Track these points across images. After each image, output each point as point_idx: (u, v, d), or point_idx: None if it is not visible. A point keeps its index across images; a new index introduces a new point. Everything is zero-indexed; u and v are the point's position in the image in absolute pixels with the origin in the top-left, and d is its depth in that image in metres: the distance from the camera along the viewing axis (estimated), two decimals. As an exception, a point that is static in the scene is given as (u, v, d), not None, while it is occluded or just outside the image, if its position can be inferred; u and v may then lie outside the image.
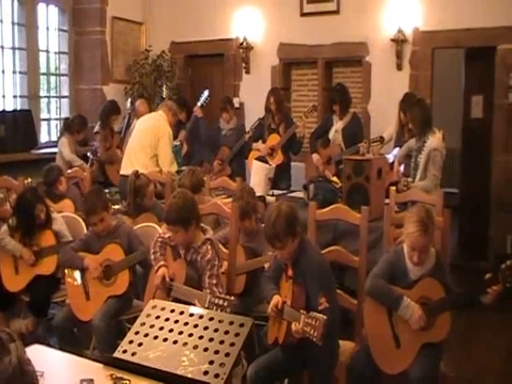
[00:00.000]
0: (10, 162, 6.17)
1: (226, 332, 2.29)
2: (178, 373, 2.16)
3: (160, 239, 3.58)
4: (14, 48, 6.92)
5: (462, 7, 6.23)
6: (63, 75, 7.71)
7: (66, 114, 7.67)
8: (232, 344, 2.23)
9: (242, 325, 2.31)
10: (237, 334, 2.27)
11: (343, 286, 3.90)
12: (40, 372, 1.79)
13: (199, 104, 6.48)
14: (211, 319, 2.37)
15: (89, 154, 6.70)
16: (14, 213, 4.43)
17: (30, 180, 5.19)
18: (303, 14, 7.16)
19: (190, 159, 6.47)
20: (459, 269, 4.63)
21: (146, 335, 2.38)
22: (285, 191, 5.81)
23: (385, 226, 3.81)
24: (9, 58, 6.88)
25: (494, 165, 6.32)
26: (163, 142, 5.54)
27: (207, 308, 2.96)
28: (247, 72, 7.69)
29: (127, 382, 2.14)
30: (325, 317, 2.78)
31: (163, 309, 2.49)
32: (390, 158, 5.41)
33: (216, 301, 3.05)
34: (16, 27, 6.92)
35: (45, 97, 7.53)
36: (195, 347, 2.26)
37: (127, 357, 2.30)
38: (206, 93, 6.52)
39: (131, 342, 2.37)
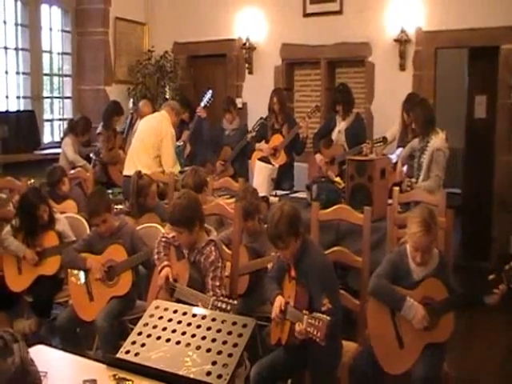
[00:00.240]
0: (13, 163, 6.18)
1: (229, 333, 2.28)
2: (181, 373, 2.16)
3: (164, 239, 3.59)
4: (17, 49, 6.93)
5: (465, 7, 6.21)
6: (66, 76, 7.72)
7: (69, 114, 7.68)
8: (235, 345, 2.23)
9: (244, 325, 2.31)
10: (240, 335, 2.27)
11: (346, 287, 3.90)
12: (43, 372, 1.80)
13: (202, 104, 6.48)
14: (214, 320, 2.37)
15: (91, 154, 6.71)
16: (17, 213, 4.43)
17: (33, 181, 5.19)
18: (306, 15, 7.15)
19: (193, 160, 6.48)
20: (462, 269, 4.63)
21: (149, 336, 2.38)
22: (288, 192, 5.81)
23: (388, 226, 3.80)
24: (12, 58, 6.90)
25: (497, 165, 6.31)
26: (166, 143, 5.55)
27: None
28: (250, 72, 7.69)
29: (130, 382, 2.15)
30: (328, 317, 2.78)
31: (166, 309, 2.49)
32: (393, 158, 5.40)
33: (219, 304, 3.05)
34: (19, 28, 6.93)
35: (48, 97, 7.54)
36: (198, 348, 2.26)
37: (130, 357, 2.30)
38: (209, 93, 6.52)
39: (134, 342, 2.37)
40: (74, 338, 3.94)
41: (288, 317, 3.05)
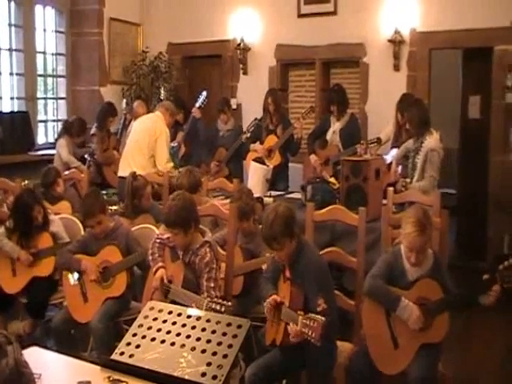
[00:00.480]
0: (7, 164, 6.16)
1: (224, 333, 2.28)
2: (176, 375, 2.16)
3: (158, 240, 3.58)
4: (11, 49, 6.91)
5: (460, 8, 6.23)
6: (60, 77, 7.70)
7: (63, 115, 7.67)
8: (230, 345, 2.23)
9: (239, 326, 2.30)
10: (234, 336, 2.26)
11: (341, 287, 3.90)
12: (37, 374, 1.79)
13: (197, 105, 6.47)
14: (209, 321, 2.36)
15: (86, 155, 6.70)
16: (11, 215, 4.42)
17: (27, 182, 5.19)
18: (300, 15, 7.16)
19: (188, 160, 6.46)
20: (457, 269, 4.62)
21: (144, 337, 2.37)
22: (282, 192, 5.81)
23: (382, 226, 3.80)
24: (6, 59, 6.88)
25: (492, 165, 6.33)
26: (160, 142, 5.54)
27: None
28: (245, 73, 7.68)
29: (125, 383, 2.14)
30: (323, 318, 2.78)
31: (161, 310, 2.48)
32: (388, 158, 5.41)
33: (213, 306, 3.05)
34: (13, 29, 6.92)
35: (42, 98, 7.53)
36: (193, 349, 2.25)
37: (125, 359, 2.29)
38: (204, 94, 6.51)
39: (129, 343, 2.37)
40: (69, 339, 3.93)
41: (283, 317, 3.05)
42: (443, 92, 7.70)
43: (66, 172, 5.81)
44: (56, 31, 7.56)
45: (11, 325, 4.35)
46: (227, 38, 7.69)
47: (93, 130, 6.78)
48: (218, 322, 2.34)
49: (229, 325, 2.32)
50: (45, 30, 7.37)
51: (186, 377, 2.14)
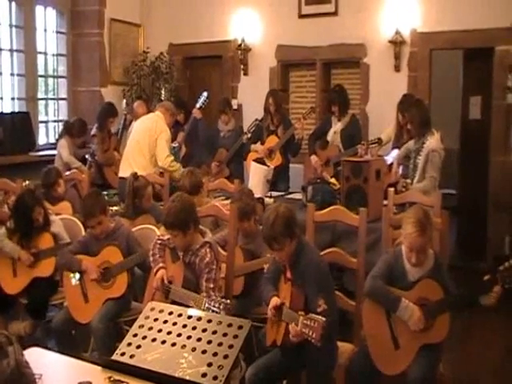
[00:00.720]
0: (8, 165, 6.17)
1: (225, 334, 2.28)
2: (177, 375, 2.16)
3: (159, 241, 3.58)
4: (11, 50, 6.92)
5: (460, 8, 6.23)
6: (61, 77, 7.71)
7: (64, 116, 7.67)
8: (230, 346, 2.23)
9: (240, 327, 2.30)
10: (235, 336, 2.26)
11: (342, 288, 3.90)
12: (38, 374, 1.79)
13: (198, 106, 6.47)
14: (209, 321, 2.36)
15: (87, 156, 6.70)
16: (11, 215, 4.42)
17: (28, 182, 5.19)
18: (301, 16, 7.16)
19: (189, 161, 6.47)
20: (457, 270, 4.63)
21: (145, 337, 2.37)
22: (283, 193, 5.81)
23: (383, 227, 3.81)
24: (7, 60, 6.88)
25: (492, 166, 6.33)
26: (160, 140, 5.54)
27: (203, 311, 2.95)
28: (245, 74, 7.69)
29: (125, 384, 2.15)
30: (323, 318, 2.78)
31: (161, 311, 2.48)
32: (388, 159, 5.41)
33: (212, 304, 3.06)
34: (14, 29, 6.92)
35: (43, 99, 7.53)
36: (193, 349, 2.25)
37: (125, 359, 2.29)
38: (205, 95, 6.51)
39: (129, 344, 2.37)
40: (70, 339, 3.93)
41: (283, 318, 3.05)
42: (444, 92, 7.70)
43: (67, 172, 5.81)
44: (57, 32, 7.57)
45: (12, 325, 4.34)
46: (228, 38, 7.69)
47: (93, 131, 6.79)
48: (218, 323, 2.34)
49: (230, 325, 2.32)
50: (45, 31, 7.38)
51: (187, 377, 2.14)
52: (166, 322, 2.42)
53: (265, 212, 3.42)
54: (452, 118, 7.25)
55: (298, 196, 5.30)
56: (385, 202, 4.50)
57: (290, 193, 5.83)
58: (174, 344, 2.30)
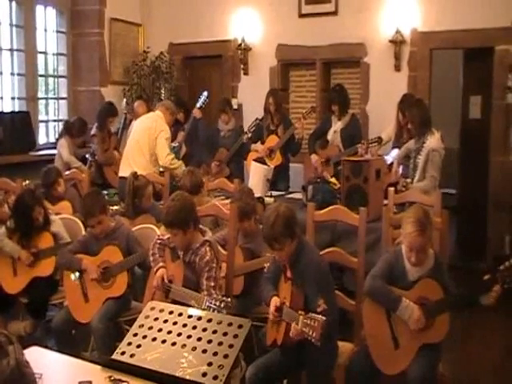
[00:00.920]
0: (8, 164, 6.17)
1: (225, 333, 2.28)
2: (177, 375, 2.16)
3: (159, 241, 3.58)
4: (12, 50, 6.91)
5: (460, 8, 6.23)
6: (61, 77, 7.71)
7: (64, 115, 7.67)
8: (230, 345, 2.23)
9: (240, 326, 2.31)
10: (235, 336, 2.27)
11: (342, 287, 3.90)
12: (38, 374, 1.79)
13: (198, 106, 6.48)
14: (210, 321, 2.37)
15: (87, 155, 6.70)
16: (12, 215, 4.42)
17: (28, 182, 5.19)
18: (301, 15, 7.16)
19: (189, 161, 6.47)
20: (457, 269, 4.63)
21: (145, 337, 2.38)
22: (283, 192, 5.82)
23: (383, 226, 3.80)
24: (7, 59, 6.88)
25: (492, 165, 6.33)
26: (160, 139, 5.54)
27: (204, 310, 2.96)
28: (245, 73, 7.68)
29: (126, 383, 2.14)
30: (324, 318, 2.78)
31: (162, 310, 2.49)
32: (388, 159, 5.41)
33: (213, 302, 3.06)
34: (14, 29, 6.92)
35: (43, 98, 7.52)
36: (194, 349, 2.25)
37: (125, 359, 2.29)
38: (205, 94, 6.51)
39: (130, 343, 2.37)
40: (70, 339, 3.93)
41: (284, 317, 3.05)
42: (444, 92, 7.70)
43: (67, 172, 5.81)
44: (57, 31, 7.56)
45: (12, 325, 4.34)
46: (228, 38, 7.69)
47: (93, 131, 6.79)
48: (219, 322, 2.35)
49: (230, 325, 2.32)
50: (46, 30, 7.37)
51: (187, 377, 2.14)
52: (166, 321, 2.42)
53: (265, 212, 3.42)
54: (452, 118, 7.25)
55: (298, 196, 5.30)
56: (385, 202, 4.51)
57: (290, 192, 5.84)
58: (174, 343, 2.30)
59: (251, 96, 7.40)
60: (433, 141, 4.78)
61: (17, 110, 6.98)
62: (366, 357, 3.09)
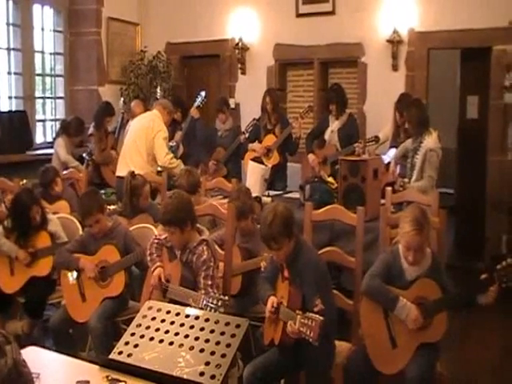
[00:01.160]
0: (5, 164, 6.16)
1: (222, 333, 2.28)
2: (174, 374, 2.16)
3: (156, 241, 3.58)
4: (9, 49, 6.90)
5: (458, 8, 6.24)
6: (58, 76, 7.70)
7: (61, 115, 7.66)
8: (228, 345, 2.23)
9: (238, 326, 2.31)
10: (233, 335, 2.27)
11: (340, 287, 3.90)
12: (36, 374, 1.79)
13: (195, 105, 6.47)
14: (207, 320, 2.37)
15: (84, 155, 6.69)
16: (9, 214, 4.42)
17: (25, 181, 5.18)
18: (299, 15, 7.16)
19: (186, 160, 6.46)
20: (455, 269, 4.64)
21: (142, 336, 2.38)
22: (281, 192, 5.81)
23: (381, 226, 3.81)
24: (4, 58, 6.87)
25: (490, 165, 6.33)
26: (157, 139, 5.53)
27: (202, 309, 2.96)
28: (243, 73, 7.68)
29: (123, 383, 2.14)
30: (321, 317, 2.78)
31: (159, 310, 2.49)
32: (386, 158, 5.41)
33: (210, 300, 3.06)
34: (11, 28, 6.91)
35: (40, 98, 7.51)
36: (191, 348, 2.25)
37: (123, 358, 2.29)
38: (203, 94, 6.51)
39: (127, 343, 2.37)
40: (67, 339, 3.93)
41: (281, 317, 3.04)
42: (441, 92, 7.72)
43: (65, 171, 5.81)
44: (54, 30, 7.55)
45: (9, 324, 4.34)
46: (225, 37, 7.69)
47: (90, 130, 6.78)
48: (216, 322, 2.35)
49: (227, 324, 2.32)
50: (43, 30, 7.36)
51: (185, 376, 2.14)
52: (163, 320, 2.42)
53: (263, 211, 3.42)
54: (449, 118, 7.26)
55: (296, 195, 5.29)
56: (382, 201, 4.51)
57: (288, 192, 5.83)
58: (171, 343, 2.30)
59: (249, 95, 7.39)
60: (430, 141, 4.78)
61: (14, 109, 6.97)
62: (364, 356, 3.09)
